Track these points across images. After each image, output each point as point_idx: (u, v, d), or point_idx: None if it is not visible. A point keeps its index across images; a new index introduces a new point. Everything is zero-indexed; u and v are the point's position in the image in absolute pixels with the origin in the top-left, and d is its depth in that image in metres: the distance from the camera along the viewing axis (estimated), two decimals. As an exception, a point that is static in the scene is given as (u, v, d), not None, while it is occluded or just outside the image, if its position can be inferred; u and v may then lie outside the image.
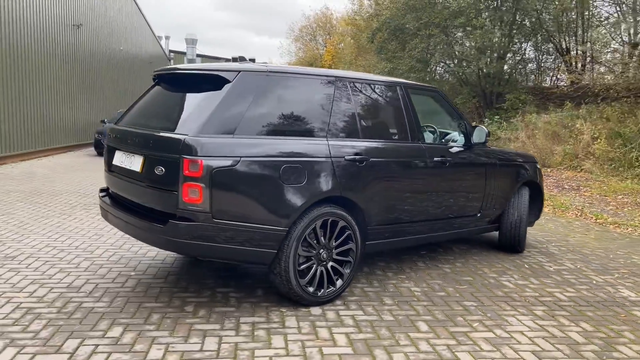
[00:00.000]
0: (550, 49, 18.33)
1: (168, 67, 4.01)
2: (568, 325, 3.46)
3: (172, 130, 3.31)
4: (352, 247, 3.75)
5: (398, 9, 19.07)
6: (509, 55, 18.40)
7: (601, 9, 17.58)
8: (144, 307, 3.47)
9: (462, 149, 4.67)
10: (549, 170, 12.33)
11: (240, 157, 3.21)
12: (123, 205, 3.70)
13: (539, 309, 3.73)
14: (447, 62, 19.72)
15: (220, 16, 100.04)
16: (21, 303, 3.45)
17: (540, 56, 19.13)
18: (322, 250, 3.60)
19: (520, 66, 18.97)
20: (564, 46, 18.27)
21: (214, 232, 3.18)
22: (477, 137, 4.68)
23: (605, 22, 17.28)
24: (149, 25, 30.41)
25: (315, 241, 3.55)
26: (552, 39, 17.87)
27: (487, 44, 16.80)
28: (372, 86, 4.19)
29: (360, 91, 4.01)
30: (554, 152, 13.16)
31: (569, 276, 4.59)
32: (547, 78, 19.57)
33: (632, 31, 16.46)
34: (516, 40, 17.90)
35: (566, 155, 12.82)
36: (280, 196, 3.35)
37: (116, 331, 3.06)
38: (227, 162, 3.16)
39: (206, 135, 3.14)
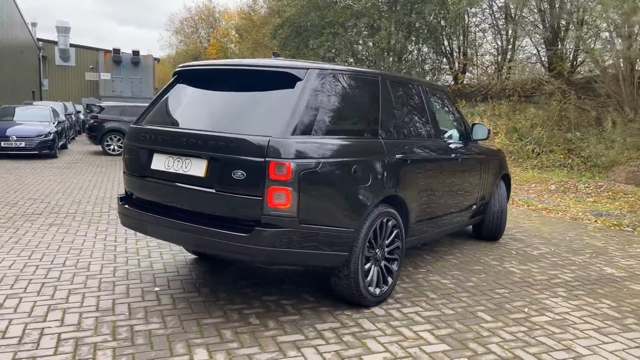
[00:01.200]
0: (443, 50, 19.84)
1: (218, 62, 3.66)
2: (594, 302, 3.85)
3: (245, 131, 3.06)
4: (399, 244, 3.79)
5: (302, 6, 19.22)
6: (405, 55, 19.59)
7: (481, 17, 19.62)
8: (204, 324, 3.17)
9: (465, 144, 4.94)
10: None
11: (321, 158, 3.08)
12: (172, 214, 3.32)
13: (559, 290, 4.10)
14: (350, 61, 20.37)
15: (75, 1, 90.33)
16: (60, 334, 2.95)
17: (436, 57, 20.58)
18: (377, 249, 3.59)
19: (417, 67, 20.24)
20: (450, 48, 19.97)
21: (299, 237, 3.02)
22: (478, 134, 4.98)
23: (479, 29, 19.30)
24: (18, 10, 26.99)
25: (374, 241, 3.54)
26: (442, 41, 19.38)
27: (390, 45, 17.68)
28: (404, 85, 4.26)
29: (397, 90, 4.05)
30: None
31: (554, 259, 5.09)
32: (443, 78, 21.07)
33: (504, 39, 18.60)
34: (413, 40, 19.04)
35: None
36: (353, 197, 3.29)
37: (202, 354, 2.77)
38: (312, 164, 3.02)
39: (290, 137, 2.97)
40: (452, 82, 20.09)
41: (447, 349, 2.97)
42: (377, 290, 3.57)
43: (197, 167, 3.16)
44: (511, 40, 18.44)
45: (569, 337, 3.21)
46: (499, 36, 18.87)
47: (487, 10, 18.89)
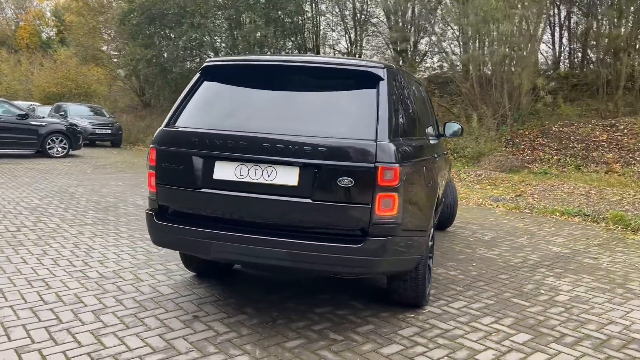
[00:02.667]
0: (304, 47, 20.33)
1: (284, 57, 3.33)
2: (579, 277, 4.42)
3: (332, 134, 2.84)
4: (432, 243, 3.88)
5: (159, -7, 17.92)
6: (267, 50, 19.61)
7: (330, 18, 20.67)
8: (291, 347, 2.86)
9: (439, 141, 5.21)
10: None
11: (413, 159, 3.02)
12: (246, 230, 2.89)
13: (542, 270, 4.61)
14: (211, 54, 19.65)
15: None
16: None
17: (298, 53, 20.98)
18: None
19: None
20: (310, 46, 20.60)
21: (401, 244, 2.91)
22: (451, 130, 5.29)
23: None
24: None
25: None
26: (305, 38, 19.91)
27: (257, 39, 17.51)
28: (417, 83, 4.34)
29: (416, 89, 4.10)
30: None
31: (507, 242, 5.68)
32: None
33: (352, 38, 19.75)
34: (278, 35, 19.15)
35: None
36: (428, 199, 3.27)
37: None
38: (408, 167, 2.93)
39: (391, 140, 2.82)
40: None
41: (528, 337, 3.15)
42: (429, 289, 3.61)
43: (286, 176, 2.83)
44: (359, 39, 19.68)
45: (599, 310, 3.65)
46: (347, 36, 20.13)
47: (337, 9, 19.97)
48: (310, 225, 2.86)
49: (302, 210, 2.85)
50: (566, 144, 12.06)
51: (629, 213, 7.19)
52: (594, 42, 15.06)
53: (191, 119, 3.15)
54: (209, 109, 3.21)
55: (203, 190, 2.99)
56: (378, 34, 19.40)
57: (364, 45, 19.97)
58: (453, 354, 2.88)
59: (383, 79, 3.03)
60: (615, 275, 4.51)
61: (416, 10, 17.11)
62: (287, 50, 20.02)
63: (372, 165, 2.74)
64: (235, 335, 2.99)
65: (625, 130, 11.99)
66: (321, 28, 20.49)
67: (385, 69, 3.09)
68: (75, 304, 3.37)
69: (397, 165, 2.76)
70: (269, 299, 3.59)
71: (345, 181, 2.75)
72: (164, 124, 3.23)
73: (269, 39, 17.72)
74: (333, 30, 21.02)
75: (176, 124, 3.17)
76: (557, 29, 16.64)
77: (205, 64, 3.36)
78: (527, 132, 12.96)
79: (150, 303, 3.44)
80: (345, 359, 2.76)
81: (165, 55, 18.78)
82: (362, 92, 3.04)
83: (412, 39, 17.66)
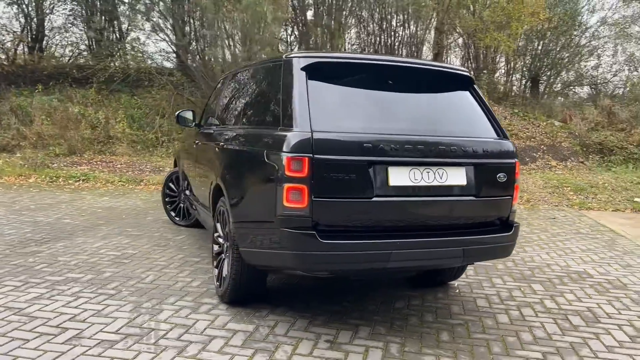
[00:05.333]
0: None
1: (391, 58, 3.48)
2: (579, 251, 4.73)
3: (464, 133, 3.18)
4: None
5: None
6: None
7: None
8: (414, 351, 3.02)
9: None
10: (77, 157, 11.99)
11: None
12: (419, 234, 2.99)
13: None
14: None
15: None
16: None
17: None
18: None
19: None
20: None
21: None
22: None
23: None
24: None
25: None
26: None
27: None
28: None
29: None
30: (67, 138, 12.42)
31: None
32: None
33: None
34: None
35: (86, 141, 12.59)
36: None
37: None
38: None
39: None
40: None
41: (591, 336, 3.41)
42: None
43: (455, 176, 3.03)
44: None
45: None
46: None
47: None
48: (472, 221, 3.16)
49: (469, 208, 3.13)
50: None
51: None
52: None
53: (323, 123, 2.87)
54: (334, 110, 3.03)
55: (375, 198, 2.87)
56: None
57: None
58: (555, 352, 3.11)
59: (474, 83, 3.42)
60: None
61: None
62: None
63: (514, 160, 3.19)
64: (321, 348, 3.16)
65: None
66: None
67: (470, 72, 3.44)
68: None
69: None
70: (298, 299, 3.75)
71: (501, 176, 3.12)
72: (311, 129, 2.79)
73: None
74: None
75: (303, 129, 2.82)
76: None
77: (309, 62, 3.07)
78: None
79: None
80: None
81: None
82: (462, 94, 3.39)
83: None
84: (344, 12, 17.47)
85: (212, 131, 4.35)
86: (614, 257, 5.19)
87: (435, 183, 2.96)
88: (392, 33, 18.76)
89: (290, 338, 3.03)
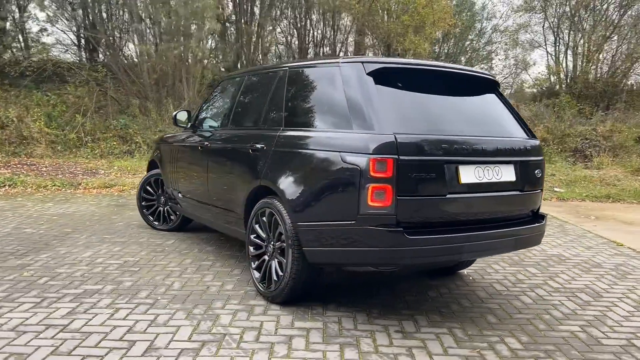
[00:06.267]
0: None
1: (443, 64, 3.60)
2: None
3: (507, 134, 3.53)
4: None
5: None
6: None
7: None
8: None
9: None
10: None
11: None
12: (481, 227, 3.28)
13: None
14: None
15: None
16: None
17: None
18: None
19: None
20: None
21: None
22: None
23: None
24: None
25: None
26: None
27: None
28: None
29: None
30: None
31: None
32: None
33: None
34: None
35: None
36: None
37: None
38: None
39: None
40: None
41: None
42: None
43: (507, 173, 3.35)
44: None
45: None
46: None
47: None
48: (517, 213, 3.52)
49: (517, 202, 3.47)
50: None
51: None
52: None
53: (399, 126, 3.04)
54: (402, 113, 3.20)
55: (449, 195, 3.08)
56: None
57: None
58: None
59: (500, 85, 3.77)
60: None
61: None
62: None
63: (543, 158, 3.58)
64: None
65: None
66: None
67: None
68: None
69: None
70: (340, 294, 3.91)
71: (538, 172, 3.51)
72: (388, 132, 2.95)
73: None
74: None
75: (385, 132, 2.96)
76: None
77: (375, 67, 3.21)
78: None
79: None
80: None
81: None
82: (492, 97, 3.72)
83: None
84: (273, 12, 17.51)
85: (236, 134, 4.30)
86: (573, 240, 5.91)
87: (493, 180, 3.26)
88: (312, 33, 19.14)
89: (363, 331, 3.16)
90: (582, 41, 20.17)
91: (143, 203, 6.02)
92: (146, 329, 3.10)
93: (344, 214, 3.03)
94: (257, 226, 3.76)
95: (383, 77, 3.22)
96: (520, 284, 4.23)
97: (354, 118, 3.11)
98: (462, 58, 22.94)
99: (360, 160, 2.93)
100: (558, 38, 21.21)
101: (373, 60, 3.31)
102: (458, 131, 3.26)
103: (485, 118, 3.55)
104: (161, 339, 2.98)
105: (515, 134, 3.57)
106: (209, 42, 14.18)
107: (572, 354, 2.95)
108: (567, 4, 20.52)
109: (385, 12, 18.75)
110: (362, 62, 3.26)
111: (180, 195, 5.24)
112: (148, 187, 5.99)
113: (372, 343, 3.00)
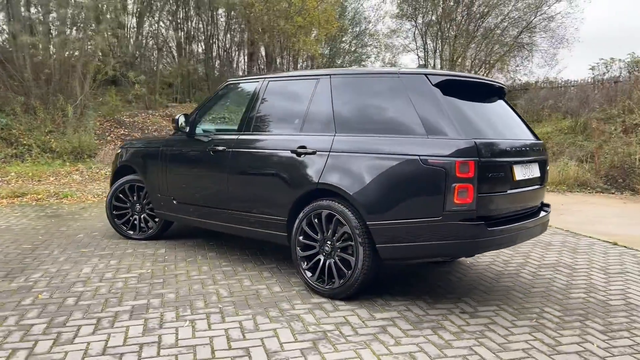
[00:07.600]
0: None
1: (460, 74, 3.96)
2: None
3: (529, 136, 4.13)
4: None
5: None
6: None
7: None
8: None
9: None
10: None
11: None
12: (521, 218, 3.82)
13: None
14: None
15: None
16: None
17: None
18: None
19: None
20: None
21: None
22: None
23: None
24: None
25: None
26: None
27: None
28: None
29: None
30: None
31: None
32: None
33: None
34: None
35: None
36: None
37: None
38: None
39: None
40: None
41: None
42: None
43: (535, 170, 3.94)
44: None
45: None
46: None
47: None
48: (537, 204, 4.13)
49: (539, 195, 4.12)
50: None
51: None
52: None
53: (473, 132, 3.45)
54: (467, 120, 3.57)
55: (509, 191, 3.61)
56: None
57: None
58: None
59: (505, 94, 4.35)
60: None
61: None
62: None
63: (547, 156, 4.26)
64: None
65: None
66: None
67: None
68: None
69: None
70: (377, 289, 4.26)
71: (547, 169, 4.15)
72: (463, 136, 3.32)
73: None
74: None
75: (465, 137, 3.33)
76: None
77: (441, 79, 3.58)
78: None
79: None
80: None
81: None
82: (504, 103, 4.27)
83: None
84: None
85: (268, 138, 4.32)
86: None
87: (529, 176, 3.84)
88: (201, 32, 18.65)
89: (435, 315, 3.52)
90: (446, 47, 22.75)
91: (114, 212, 5.63)
92: (245, 336, 3.11)
93: (428, 211, 3.35)
94: (307, 228, 3.89)
95: (447, 87, 3.60)
96: (510, 264, 4.94)
97: (426, 125, 3.43)
98: (338, 61, 24.17)
99: (445, 163, 3.28)
100: (425, 44, 23.62)
101: (435, 72, 3.68)
102: (507, 135, 3.83)
103: (510, 122, 4.10)
104: (268, 342, 3.02)
105: (530, 136, 4.18)
106: (106, 36, 13.09)
107: (600, 315, 3.65)
108: (434, 13, 22.91)
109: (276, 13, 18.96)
110: (426, 75, 3.60)
111: (174, 201, 5.04)
112: (120, 195, 5.62)
113: (451, 324, 3.39)
